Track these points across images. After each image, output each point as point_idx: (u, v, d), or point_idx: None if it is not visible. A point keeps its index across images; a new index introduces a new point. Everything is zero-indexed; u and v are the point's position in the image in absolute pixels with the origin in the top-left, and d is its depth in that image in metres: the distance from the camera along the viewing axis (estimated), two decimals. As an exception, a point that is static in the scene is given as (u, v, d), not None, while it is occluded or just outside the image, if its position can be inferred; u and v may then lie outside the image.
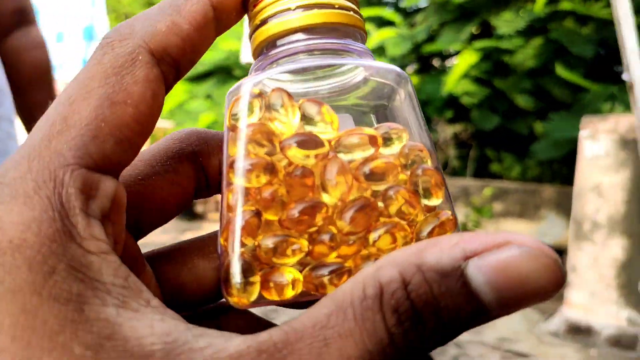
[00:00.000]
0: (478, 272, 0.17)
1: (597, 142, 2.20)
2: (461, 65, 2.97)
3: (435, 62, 4.02)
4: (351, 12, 0.24)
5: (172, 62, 0.22)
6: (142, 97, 0.21)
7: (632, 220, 2.09)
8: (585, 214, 2.22)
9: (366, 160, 0.23)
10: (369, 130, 0.23)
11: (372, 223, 0.22)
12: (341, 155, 0.23)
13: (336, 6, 0.24)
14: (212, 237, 0.26)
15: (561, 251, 2.93)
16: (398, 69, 0.25)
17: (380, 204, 0.22)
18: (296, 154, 0.22)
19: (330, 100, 0.25)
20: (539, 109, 3.11)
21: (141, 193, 0.24)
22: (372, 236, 0.22)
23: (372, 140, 0.23)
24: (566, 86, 3.05)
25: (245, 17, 0.26)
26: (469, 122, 3.51)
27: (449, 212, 0.23)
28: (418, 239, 0.22)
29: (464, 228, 3.11)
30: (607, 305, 2.12)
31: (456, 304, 0.17)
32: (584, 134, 2.25)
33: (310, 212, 0.22)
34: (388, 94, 0.25)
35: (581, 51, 2.92)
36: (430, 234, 0.22)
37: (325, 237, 0.22)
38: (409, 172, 0.23)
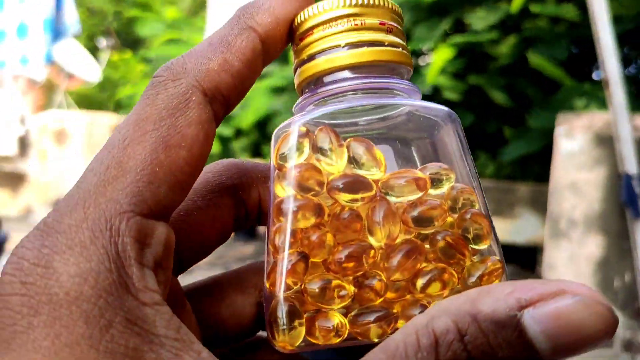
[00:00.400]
0: (534, 322, 0.17)
1: (572, 139, 2.19)
2: (438, 61, 2.96)
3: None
4: (400, 49, 0.24)
5: (223, 100, 0.22)
6: (195, 140, 0.21)
7: (609, 218, 2.09)
8: (561, 211, 2.21)
9: (414, 204, 0.22)
10: (418, 173, 0.23)
11: (419, 268, 0.22)
12: (389, 198, 0.22)
13: (385, 43, 0.23)
14: (249, 271, 0.26)
15: (535, 249, 2.93)
16: (447, 109, 0.24)
17: (427, 247, 0.22)
18: (343, 196, 0.22)
19: (370, 131, 0.25)
20: (513, 108, 3.12)
21: (183, 229, 0.24)
22: (420, 282, 0.22)
23: (421, 184, 0.22)
24: (540, 85, 3.06)
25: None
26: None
27: (497, 258, 0.23)
28: (465, 286, 0.22)
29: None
30: (584, 303, 2.11)
31: (512, 353, 0.17)
32: (559, 131, 2.24)
33: (357, 256, 0.22)
34: (432, 129, 0.25)
35: (554, 49, 2.93)
36: (479, 280, 0.22)
37: (372, 282, 0.22)
38: (455, 215, 0.23)
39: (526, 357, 0.17)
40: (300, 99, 0.25)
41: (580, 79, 2.99)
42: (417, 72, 3.48)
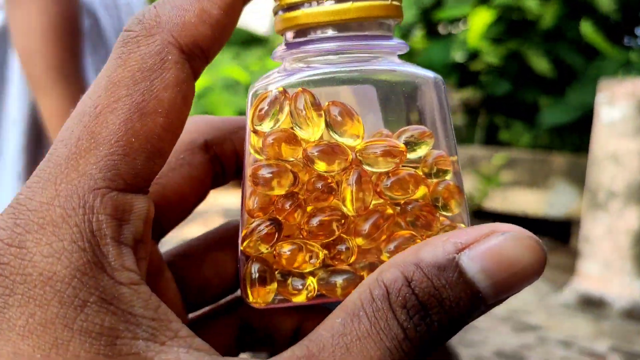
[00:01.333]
0: (471, 262, 0.18)
1: (614, 107, 2.11)
2: (478, 23, 2.87)
3: (442, 29, 3.91)
4: (389, 1, 0.23)
5: (202, 55, 0.20)
6: (172, 104, 0.19)
7: (650, 189, 2.01)
8: (600, 182, 2.14)
9: (388, 173, 0.22)
10: (395, 142, 0.23)
11: (388, 235, 0.22)
12: (364, 166, 0.22)
13: None
14: (223, 230, 0.27)
15: (570, 222, 2.86)
16: (433, 74, 0.24)
17: (398, 216, 0.23)
18: (319, 165, 0.22)
19: (354, 72, 0.23)
20: (551, 79, 3.02)
21: (160, 193, 0.24)
22: (386, 248, 0.22)
23: (397, 154, 0.22)
24: (580, 53, 2.95)
25: None
26: (477, 88, 3.41)
27: (463, 226, 0.23)
28: None
29: (471, 199, 3.04)
30: (621, 276, 2.06)
31: (456, 294, 0.18)
32: (600, 99, 2.16)
33: (329, 223, 0.22)
34: (417, 89, 0.24)
35: (595, 15, 2.82)
36: None
37: (342, 248, 0.23)
38: (429, 181, 0.23)
39: (469, 296, 0.18)
40: (279, 49, 0.24)
41: (621, 47, 2.87)
42: (450, 38, 3.39)
